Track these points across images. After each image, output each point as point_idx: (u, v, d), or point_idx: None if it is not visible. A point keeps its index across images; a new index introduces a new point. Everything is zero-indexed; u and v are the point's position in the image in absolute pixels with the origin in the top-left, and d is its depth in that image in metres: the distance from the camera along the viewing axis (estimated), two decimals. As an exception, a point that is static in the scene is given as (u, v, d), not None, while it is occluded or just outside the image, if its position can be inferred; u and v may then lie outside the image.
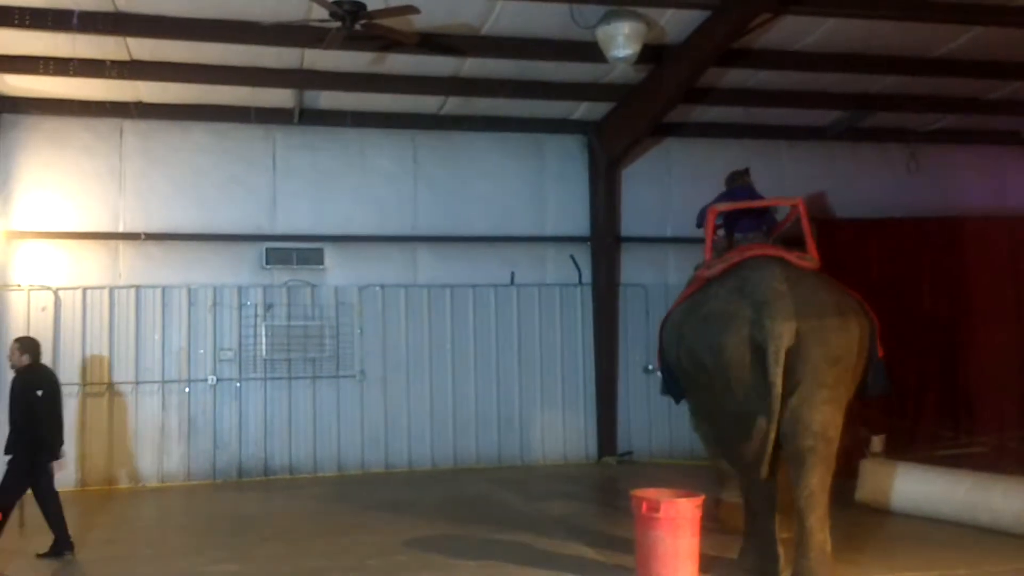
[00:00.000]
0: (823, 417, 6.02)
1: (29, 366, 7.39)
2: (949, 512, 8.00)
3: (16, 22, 8.55)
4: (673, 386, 7.42)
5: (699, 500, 6.31)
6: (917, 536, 7.71)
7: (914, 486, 8.42)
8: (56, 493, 7.27)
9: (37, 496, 7.21)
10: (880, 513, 8.51)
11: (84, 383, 10.61)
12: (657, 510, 6.18)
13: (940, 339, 11.43)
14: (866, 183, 12.85)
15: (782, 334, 5.95)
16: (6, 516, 6.97)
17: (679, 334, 6.86)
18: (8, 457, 7.19)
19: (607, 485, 10.34)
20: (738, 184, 8.38)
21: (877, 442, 9.23)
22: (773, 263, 6.50)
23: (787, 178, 12.65)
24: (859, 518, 8.39)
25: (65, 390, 10.29)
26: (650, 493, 6.51)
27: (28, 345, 7.52)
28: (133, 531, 8.44)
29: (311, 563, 7.20)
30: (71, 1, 8.37)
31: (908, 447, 10.03)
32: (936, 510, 8.12)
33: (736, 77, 10.81)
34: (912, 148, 13.16)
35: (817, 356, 6.04)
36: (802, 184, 12.52)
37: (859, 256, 11.39)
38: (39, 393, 7.18)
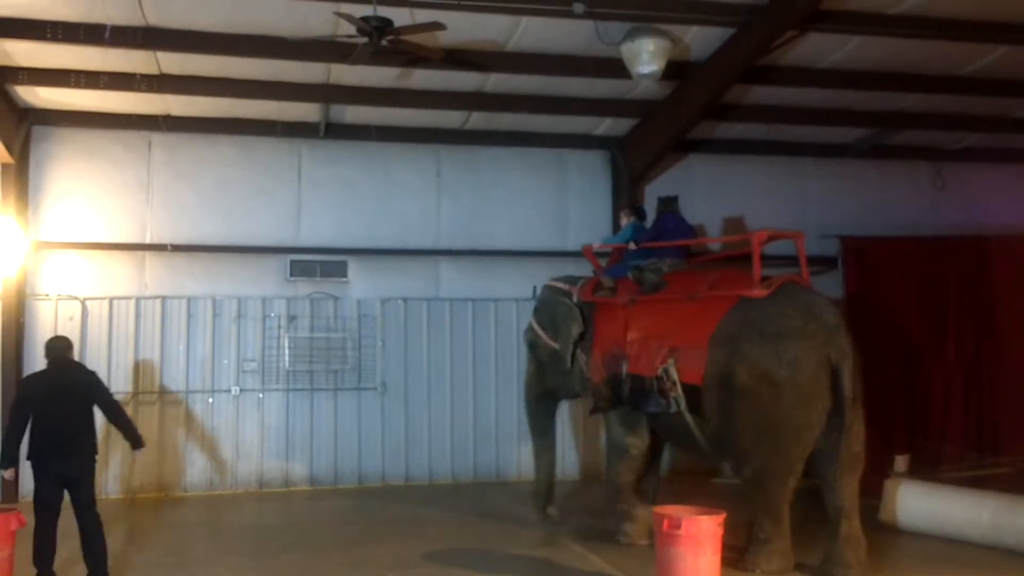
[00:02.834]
0: (862, 429, 7.00)
1: (47, 365, 7.03)
2: (974, 533, 7.92)
3: (48, 36, 8.69)
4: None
5: (721, 518, 6.29)
6: (940, 558, 7.64)
7: (938, 507, 8.34)
8: None
9: None
10: (903, 534, 8.43)
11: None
12: (678, 527, 6.17)
13: (966, 357, 11.33)
14: (892, 201, 12.75)
15: (851, 354, 6.89)
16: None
17: (732, 348, 7.09)
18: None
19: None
20: (669, 210, 8.80)
21: (901, 462, 9.16)
22: (812, 291, 7.45)
23: (811, 196, 12.62)
24: (882, 538, 8.30)
25: (91, 399, 10.53)
26: (671, 510, 6.50)
27: (46, 347, 7.13)
28: (155, 540, 8.50)
29: (331, 574, 7.25)
30: (103, 15, 8.51)
31: (932, 467, 9.93)
32: (960, 531, 8.03)
33: (760, 94, 10.80)
34: (939, 166, 13.06)
35: (856, 375, 6.97)
36: (827, 202, 12.51)
37: (885, 274, 11.33)
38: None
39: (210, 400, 11.02)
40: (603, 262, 9.36)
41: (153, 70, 9.73)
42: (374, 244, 11.60)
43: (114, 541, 8.25)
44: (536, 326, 8.98)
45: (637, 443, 8.12)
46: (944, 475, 9.62)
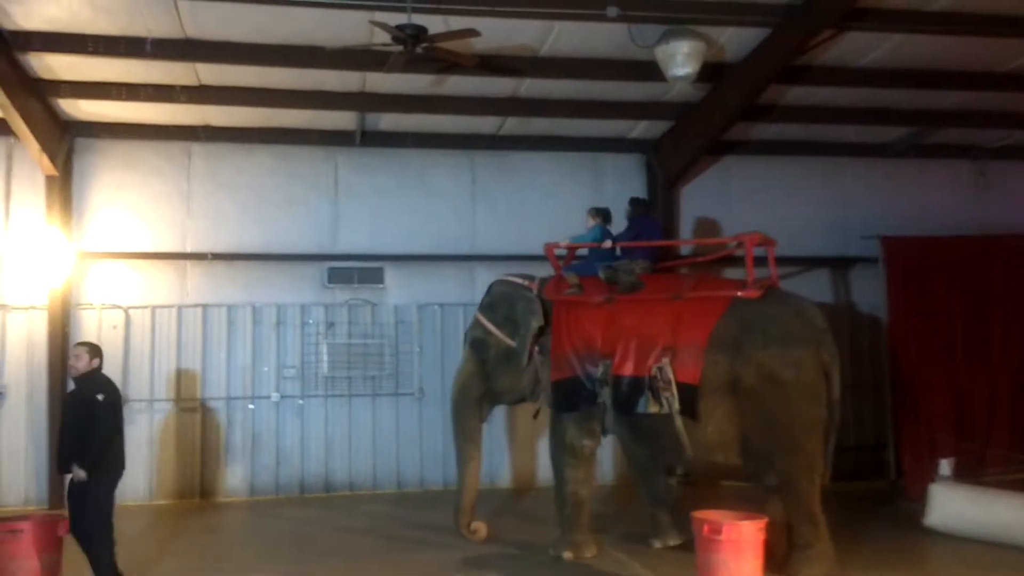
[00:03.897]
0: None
1: (97, 370, 6.78)
2: (1020, 537, 7.78)
3: (90, 49, 8.85)
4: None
5: (762, 523, 6.24)
6: (986, 562, 7.52)
7: (984, 511, 8.20)
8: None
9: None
10: (950, 539, 8.30)
11: (152, 399, 10.87)
12: (719, 532, 6.13)
13: (1011, 358, 11.11)
14: (932, 200, 12.56)
15: (837, 356, 7.21)
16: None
17: (736, 350, 7.16)
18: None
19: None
20: (646, 213, 8.98)
21: (946, 466, 9.02)
22: (797, 295, 7.70)
23: (850, 196, 12.48)
24: (927, 543, 8.22)
25: (134, 406, 10.73)
26: (711, 515, 6.45)
27: (98, 349, 6.95)
28: (197, 545, 8.60)
29: (371, 580, 7.28)
30: (143, 29, 8.65)
31: (978, 471, 9.77)
32: (1007, 535, 7.89)
33: (797, 94, 10.69)
34: (980, 164, 12.86)
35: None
36: (866, 202, 12.38)
37: (926, 274, 11.16)
38: (100, 398, 6.53)
39: (251, 407, 11.14)
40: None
41: (192, 81, 9.87)
42: (410, 250, 11.66)
43: (156, 546, 8.39)
44: (487, 323, 8.41)
45: (591, 444, 7.97)
46: (990, 478, 9.47)
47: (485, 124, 11.51)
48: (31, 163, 10.63)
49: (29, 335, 10.64)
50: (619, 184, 12.19)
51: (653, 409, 7.34)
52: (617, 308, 7.82)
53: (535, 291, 8.33)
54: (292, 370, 11.25)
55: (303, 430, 11.23)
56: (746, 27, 8.89)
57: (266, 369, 11.22)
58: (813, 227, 12.25)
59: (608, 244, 8.67)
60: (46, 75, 9.65)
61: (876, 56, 9.68)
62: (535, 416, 8.64)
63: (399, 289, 11.65)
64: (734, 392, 7.14)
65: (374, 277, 11.59)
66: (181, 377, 10.99)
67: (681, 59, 8.74)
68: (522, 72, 9.68)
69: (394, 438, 11.42)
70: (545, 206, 11.98)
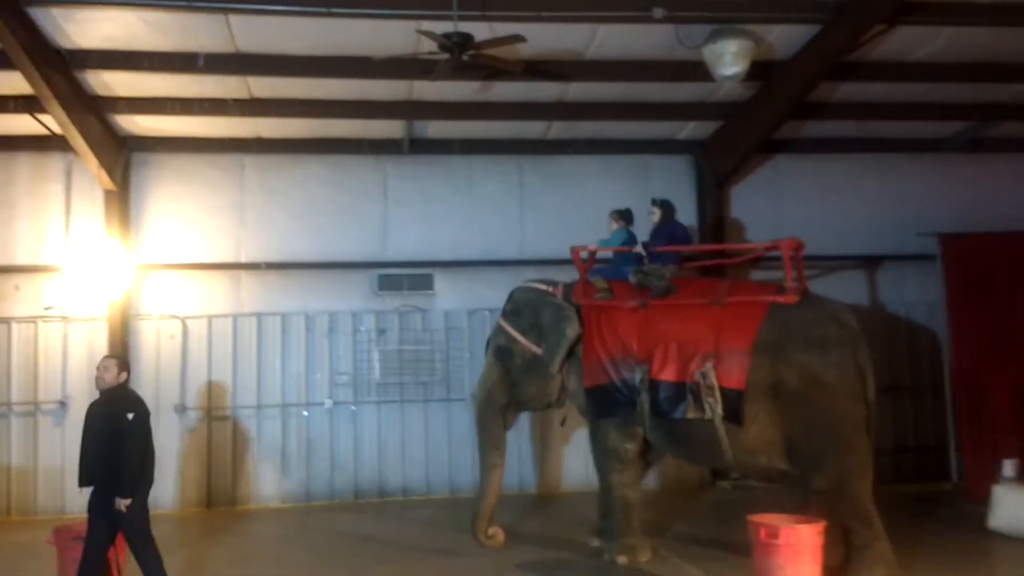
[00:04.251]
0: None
1: (125, 384, 6.67)
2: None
3: (145, 66, 9.09)
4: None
5: (820, 526, 6.16)
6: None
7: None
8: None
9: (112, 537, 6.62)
10: (1015, 541, 8.11)
11: (210, 407, 11.07)
12: (776, 536, 6.06)
13: (1076, 357, 10.81)
14: (991, 195, 12.25)
15: (871, 360, 7.21)
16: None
17: (778, 353, 7.18)
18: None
19: (722, 510, 10.14)
20: (674, 215, 8.82)
21: (1009, 467, 8.81)
22: (830, 299, 7.71)
23: (905, 193, 12.24)
24: (992, 545, 8.03)
25: (191, 414, 10.95)
26: (768, 519, 6.39)
27: (127, 363, 6.85)
28: (255, 551, 8.73)
29: (427, 585, 7.32)
30: (196, 44, 8.85)
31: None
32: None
33: (849, 91, 10.54)
34: (1040, 157, 12.57)
35: None
36: (922, 199, 12.14)
37: (986, 271, 10.90)
38: (130, 416, 6.42)
39: (305, 413, 11.28)
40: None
41: (244, 95, 10.05)
42: (459, 256, 11.72)
43: (214, 552, 8.53)
44: (512, 330, 8.31)
45: (634, 448, 7.89)
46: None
47: (532, 129, 11.52)
48: (90, 178, 10.91)
49: (90, 346, 10.88)
50: (668, 186, 12.07)
51: (694, 414, 7.31)
52: (652, 313, 7.79)
53: (560, 296, 8.27)
54: (345, 377, 11.36)
55: (356, 436, 11.34)
56: (795, 24, 8.79)
57: (319, 376, 11.35)
58: (867, 225, 12.08)
59: (639, 249, 8.59)
60: (103, 92, 9.90)
61: (929, 50, 9.50)
62: (562, 423, 8.65)
63: (449, 295, 11.71)
64: (776, 396, 7.11)
65: (424, 283, 11.67)
66: (237, 385, 11.17)
67: (729, 59, 8.67)
68: (568, 76, 9.68)
69: (446, 443, 11.46)
70: (593, 209, 11.85)
